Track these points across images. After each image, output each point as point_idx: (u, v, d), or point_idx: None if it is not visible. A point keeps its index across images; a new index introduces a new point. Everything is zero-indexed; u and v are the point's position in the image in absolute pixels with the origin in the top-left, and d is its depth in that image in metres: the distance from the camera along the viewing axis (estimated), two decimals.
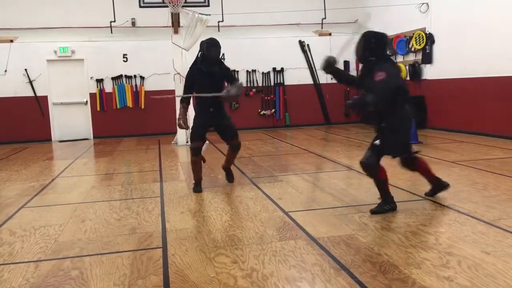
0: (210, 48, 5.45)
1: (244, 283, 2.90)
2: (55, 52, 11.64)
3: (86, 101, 12.10)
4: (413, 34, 11.31)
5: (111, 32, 12.29)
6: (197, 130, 5.65)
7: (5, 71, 11.33)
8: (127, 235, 4.00)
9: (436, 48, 10.84)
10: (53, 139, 11.97)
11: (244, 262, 3.24)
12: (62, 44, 11.63)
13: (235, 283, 2.90)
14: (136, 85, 12.23)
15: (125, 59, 12.05)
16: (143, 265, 3.29)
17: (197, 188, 5.63)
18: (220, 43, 5.59)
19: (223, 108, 5.71)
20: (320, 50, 12.98)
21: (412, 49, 11.46)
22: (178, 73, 10.13)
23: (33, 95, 11.64)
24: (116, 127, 12.15)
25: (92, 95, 12.07)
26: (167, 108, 11.59)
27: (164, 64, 11.49)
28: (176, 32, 10.11)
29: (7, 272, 3.23)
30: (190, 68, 5.66)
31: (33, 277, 3.13)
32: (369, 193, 5.17)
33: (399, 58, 12.20)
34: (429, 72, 11.14)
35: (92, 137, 12.18)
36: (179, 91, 10.21)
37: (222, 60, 5.77)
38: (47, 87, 11.75)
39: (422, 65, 11.30)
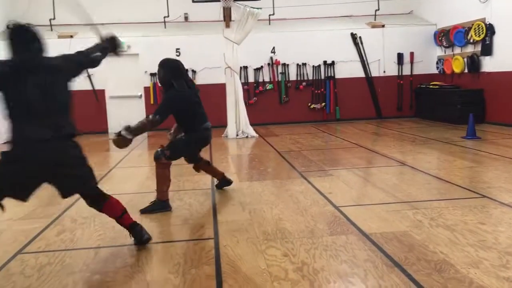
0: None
1: (295, 276, 2.91)
2: None
3: (141, 95, 12.47)
4: (472, 24, 10.82)
5: (165, 27, 12.59)
6: None
7: None
8: (180, 225, 4.11)
9: (496, 39, 10.33)
10: (109, 131, 12.41)
11: (294, 255, 3.25)
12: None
13: (286, 276, 2.92)
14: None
15: (177, 53, 12.28)
16: (196, 255, 3.37)
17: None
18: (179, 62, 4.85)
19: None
20: (373, 43, 12.73)
21: (471, 40, 10.98)
22: (229, 67, 10.24)
23: (91, 88, 12.13)
24: (168, 120, 12.38)
25: (146, 89, 12.42)
26: (218, 101, 11.75)
27: (215, 58, 11.62)
28: (227, 26, 10.20)
29: (69, 258, 3.41)
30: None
31: (93, 263, 3.28)
32: (424, 189, 5.04)
33: (457, 50, 11.74)
34: (489, 64, 10.63)
35: None
36: (230, 85, 10.35)
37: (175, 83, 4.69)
38: (104, 81, 12.20)
39: (481, 57, 10.81)
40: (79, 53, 3.49)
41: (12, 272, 3.15)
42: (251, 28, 9.92)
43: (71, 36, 11.88)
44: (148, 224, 4.16)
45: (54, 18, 12.22)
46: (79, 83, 12.06)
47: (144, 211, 4.52)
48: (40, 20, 12.30)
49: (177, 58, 12.02)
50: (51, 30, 12.14)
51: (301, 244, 3.45)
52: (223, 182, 5.44)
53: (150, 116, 4.58)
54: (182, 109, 4.80)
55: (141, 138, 11.05)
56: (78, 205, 4.93)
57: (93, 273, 3.10)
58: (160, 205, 4.59)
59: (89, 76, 12.03)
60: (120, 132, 4.28)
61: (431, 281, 2.74)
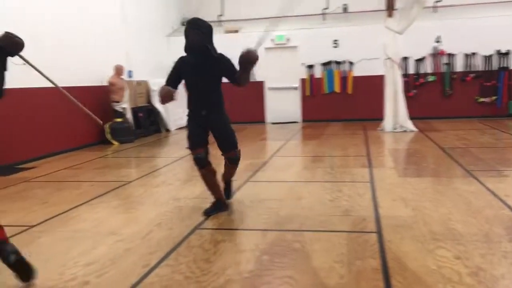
0: (189, 32, 4.01)
1: (470, 281, 2.71)
2: (272, 40, 12.53)
3: (297, 87, 12.76)
4: None
5: (324, 19, 12.65)
6: (193, 136, 4.26)
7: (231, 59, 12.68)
8: (341, 216, 4.13)
9: None
10: (266, 121, 12.99)
11: (468, 259, 3.03)
12: (279, 33, 12.45)
13: (459, 279, 2.74)
14: (344, 70, 12.37)
15: (335, 45, 12.28)
16: (359, 247, 3.35)
17: (211, 209, 4.31)
18: (209, 25, 4.10)
19: (218, 108, 4.26)
20: None
21: None
22: (389, 58, 9.89)
23: (253, 80, 12.80)
24: (323, 112, 12.53)
25: (303, 81, 12.67)
26: (374, 94, 11.46)
27: (374, 49, 11.33)
28: (390, 15, 9.83)
29: (240, 237, 3.68)
30: (180, 57, 4.26)
31: (261, 244, 3.48)
32: None
33: None
34: None
35: (300, 120, 12.82)
36: (389, 77, 10.00)
37: (211, 48, 4.06)
38: (264, 73, 12.76)
39: None
40: None
41: (193, 245, 3.51)
42: (417, 16, 9.40)
43: (236, 31, 12.66)
44: (310, 212, 4.27)
45: (222, 14, 13.16)
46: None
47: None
48: (210, 16, 13.39)
49: (335, 49, 12.19)
50: (219, 26, 13.10)
51: (475, 248, 3.20)
52: (225, 189, 4.74)
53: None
54: None
55: (296, 129, 11.36)
56: (244, 189, 5.29)
57: (262, 253, 3.29)
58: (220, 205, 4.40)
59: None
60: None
61: None
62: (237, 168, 4.60)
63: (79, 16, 9.03)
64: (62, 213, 4.51)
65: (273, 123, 12.74)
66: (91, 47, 9.28)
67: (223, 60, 4.12)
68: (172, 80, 4.19)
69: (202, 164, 4.22)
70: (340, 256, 3.19)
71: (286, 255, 3.24)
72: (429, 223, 3.79)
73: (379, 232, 3.65)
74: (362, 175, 5.83)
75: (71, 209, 4.65)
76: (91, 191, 5.38)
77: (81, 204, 4.81)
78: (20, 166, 7.11)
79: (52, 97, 7.98)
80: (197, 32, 3.99)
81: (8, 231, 3.90)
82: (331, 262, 3.09)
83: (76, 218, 4.37)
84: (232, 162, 4.49)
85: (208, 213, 4.27)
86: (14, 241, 3.70)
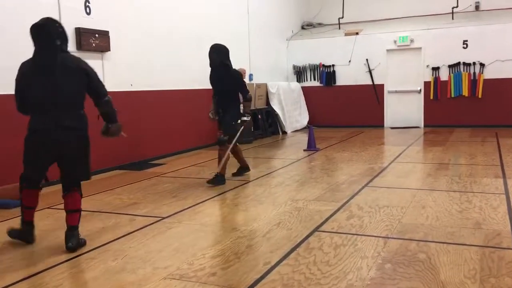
0: (210, 56, 5.90)
1: None
2: (395, 41, 12.07)
3: (420, 90, 12.15)
4: None
5: (452, 18, 11.87)
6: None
7: (349, 61, 12.52)
8: (471, 229, 3.84)
9: None
10: (385, 125, 12.55)
11: None
12: (402, 34, 11.95)
13: None
14: (474, 73, 11.47)
15: (464, 46, 11.44)
16: (494, 263, 3.09)
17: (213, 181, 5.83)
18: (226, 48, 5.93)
19: (230, 108, 5.99)
20: None
21: None
22: None
23: (371, 83, 12.47)
24: (448, 117, 11.75)
25: (427, 84, 12.00)
26: (509, 98, 10.50)
27: (509, 50, 10.39)
28: None
29: (360, 242, 3.59)
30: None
31: (383, 251, 3.37)
32: None
33: None
34: None
35: (422, 125, 12.17)
36: None
37: (229, 66, 5.97)
38: (384, 76, 12.36)
39: None
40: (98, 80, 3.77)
41: (312, 247, 3.51)
42: None
43: (357, 33, 12.43)
44: (436, 222, 4.03)
45: (342, 17, 13.02)
46: (360, 78, 12.56)
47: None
48: (331, 19, 13.35)
49: (464, 50, 11.37)
50: (339, 28, 12.98)
51: None
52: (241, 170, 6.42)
53: (247, 96, 6.10)
54: None
55: (418, 134, 10.81)
56: (363, 194, 5.17)
57: (384, 261, 3.19)
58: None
59: (370, 71, 12.40)
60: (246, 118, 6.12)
61: None
62: (225, 155, 5.90)
63: (210, 22, 9.53)
64: (190, 207, 4.82)
65: (392, 128, 12.26)
66: None
67: (235, 79, 6.07)
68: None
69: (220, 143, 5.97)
70: (471, 271, 2.96)
71: (411, 266, 3.09)
72: None
73: None
74: (495, 186, 5.37)
75: (197, 204, 4.95)
76: (214, 188, 5.66)
77: (206, 200, 5.10)
78: (153, 162, 7.76)
79: (182, 100, 8.56)
80: (216, 55, 5.92)
81: (142, 221, 4.31)
82: (461, 277, 2.89)
83: (202, 212, 4.64)
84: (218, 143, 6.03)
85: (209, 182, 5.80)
86: (147, 230, 4.06)
